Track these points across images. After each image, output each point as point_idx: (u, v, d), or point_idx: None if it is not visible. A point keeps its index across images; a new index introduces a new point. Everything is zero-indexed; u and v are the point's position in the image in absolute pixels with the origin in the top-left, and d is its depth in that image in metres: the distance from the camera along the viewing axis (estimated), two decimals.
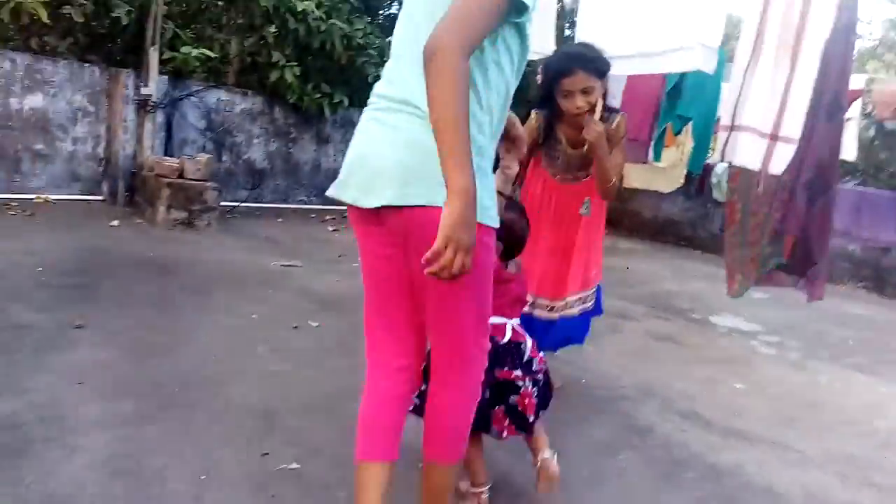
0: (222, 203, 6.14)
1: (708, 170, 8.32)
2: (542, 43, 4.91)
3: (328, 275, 4.57)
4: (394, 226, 1.48)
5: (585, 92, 2.65)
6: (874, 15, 12.78)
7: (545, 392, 2.08)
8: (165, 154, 6.34)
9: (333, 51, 6.86)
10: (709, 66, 4.04)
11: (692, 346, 4.21)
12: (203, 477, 1.95)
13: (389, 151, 1.45)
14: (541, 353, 2.11)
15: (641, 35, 4.27)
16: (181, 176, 5.58)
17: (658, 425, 2.87)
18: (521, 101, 7.81)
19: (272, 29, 6.92)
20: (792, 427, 3.07)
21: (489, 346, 1.69)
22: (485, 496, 2.01)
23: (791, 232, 4.03)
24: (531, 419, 1.99)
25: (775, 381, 3.77)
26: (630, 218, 10.26)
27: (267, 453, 2.12)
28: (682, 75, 6.18)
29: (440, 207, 1.31)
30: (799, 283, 4.22)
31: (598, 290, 3.24)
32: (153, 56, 5.93)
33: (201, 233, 5.41)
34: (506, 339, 1.97)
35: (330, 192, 1.60)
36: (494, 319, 1.84)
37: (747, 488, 2.42)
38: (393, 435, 1.69)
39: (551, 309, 3.06)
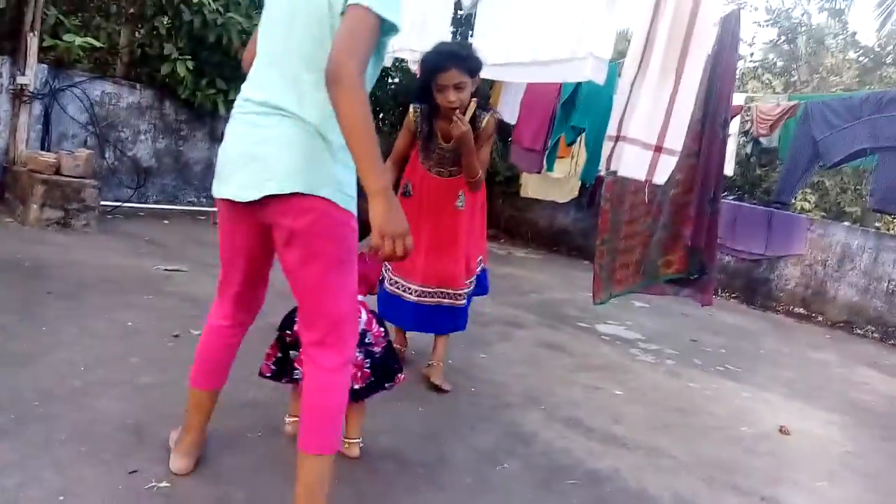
0: (103, 202, 5.80)
1: (600, 181, 8.64)
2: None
3: (215, 280, 4.38)
4: (269, 213, 1.71)
5: (458, 88, 2.85)
6: (755, 37, 13.68)
7: (383, 370, 2.26)
8: (42, 149, 5.91)
9: (230, 45, 6.63)
10: (599, 77, 4.19)
11: (578, 353, 4.35)
12: (61, 497, 1.82)
13: (272, 151, 1.68)
14: (381, 330, 2.28)
15: (536, 44, 4.39)
16: (58, 172, 5.22)
17: (542, 432, 2.94)
18: (399, 102, 7.74)
19: (165, 20, 6.61)
20: (666, 433, 3.22)
21: (356, 327, 1.94)
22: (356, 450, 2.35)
23: (698, 244, 4.20)
24: (358, 387, 2.18)
25: (652, 387, 3.95)
26: (526, 227, 10.52)
27: (135, 471, 2.01)
28: (577, 87, 6.42)
29: (316, 196, 1.65)
30: (683, 292, 4.43)
31: (484, 273, 3.46)
32: (32, 43, 5.53)
33: (78, 234, 5.08)
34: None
35: (214, 193, 1.85)
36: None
37: (623, 493, 2.52)
38: (223, 370, 2.09)
39: (441, 296, 3.26)
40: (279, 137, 1.68)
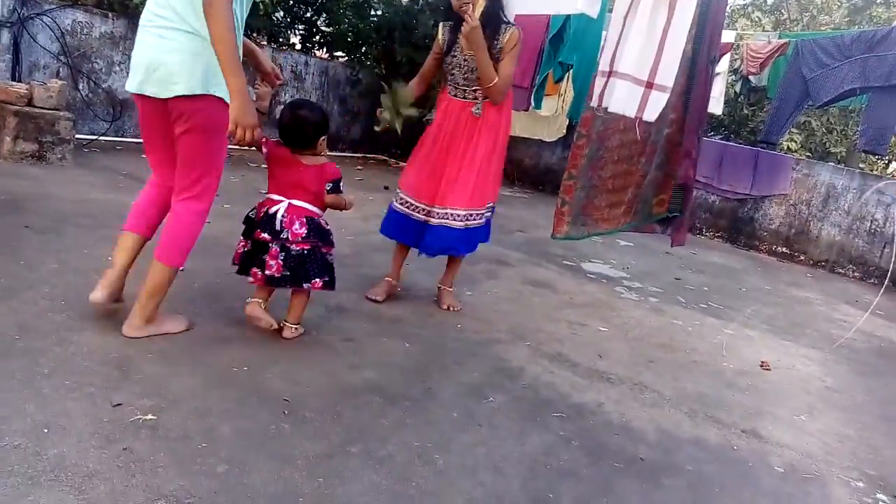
0: (78, 136, 5.63)
1: None
2: None
3: None
4: (174, 107, 2.30)
5: None
6: None
7: (299, 269, 2.61)
8: (13, 79, 5.70)
9: None
10: (592, 10, 4.08)
11: (563, 291, 4.36)
12: (45, 430, 1.80)
13: (178, 59, 2.24)
14: (301, 231, 2.60)
15: None
16: (30, 104, 5.04)
17: (527, 367, 2.95)
18: (409, 41, 7.67)
19: None
20: (649, 368, 3.26)
21: (217, 185, 2.56)
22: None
23: (685, 180, 4.17)
24: (272, 274, 2.57)
25: (636, 324, 3.98)
26: (512, 166, 10.42)
27: (119, 404, 1.99)
28: (565, 23, 6.27)
29: (215, 96, 2.30)
30: (667, 231, 4.44)
31: (489, 219, 3.49)
32: None
33: (54, 167, 4.94)
34: (272, 210, 2.59)
35: (129, 88, 2.38)
36: (273, 196, 2.65)
37: (607, 426, 2.55)
38: (147, 220, 2.61)
39: (427, 213, 3.33)
40: (183, 50, 2.24)
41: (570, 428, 2.47)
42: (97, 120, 6.48)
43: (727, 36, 8.60)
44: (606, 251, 5.86)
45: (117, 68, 6.63)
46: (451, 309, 3.54)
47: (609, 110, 3.93)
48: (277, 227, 2.57)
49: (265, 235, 2.58)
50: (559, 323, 3.69)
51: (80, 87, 6.35)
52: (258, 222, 2.63)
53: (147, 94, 2.30)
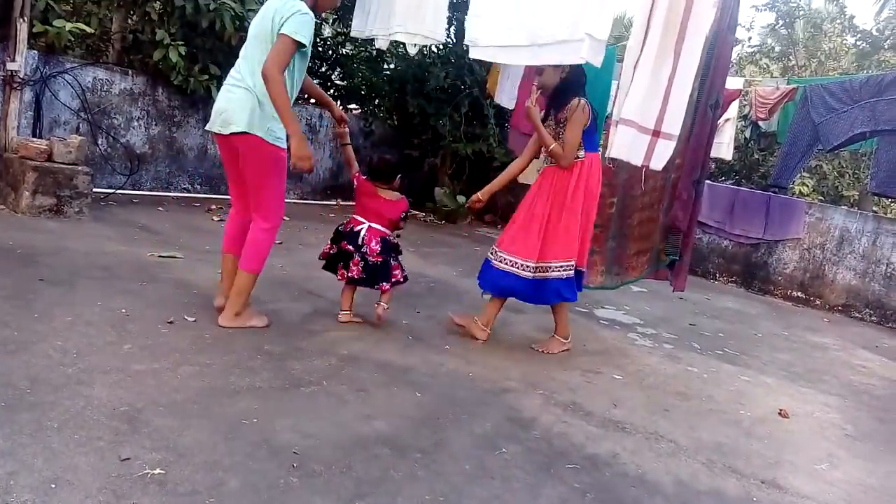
0: (96, 189, 5.74)
1: None
2: (433, 29, 4.95)
3: (210, 267, 4.35)
4: (233, 142, 3.13)
5: (538, 72, 3.94)
6: (753, 21, 13.57)
7: (373, 274, 3.63)
8: (34, 135, 5.85)
9: (223, 31, 6.55)
10: (596, 59, 4.13)
11: (576, 338, 4.32)
12: (53, 486, 1.79)
13: (236, 106, 3.10)
14: (376, 248, 3.63)
15: (533, 25, 4.33)
16: (50, 159, 5.16)
17: (541, 417, 2.91)
18: (421, 92, 7.81)
19: (157, 5, 6.52)
20: (665, 416, 3.21)
21: (281, 208, 3.35)
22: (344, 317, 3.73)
23: (683, 227, 4.20)
24: (355, 277, 3.60)
25: (651, 371, 3.93)
26: None
27: (128, 458, 1.97)
28: None
29: (258, 136, 3.09)
30: (669, 276, 4.44)
31: (568, 276, 3.79)
32: (22, 29, 5.45)
33: (71, 221, 5.03)
34: (356, 229, 3.65)
35: (208, 128, 3.28)
36: (357, 217, 3.70)
37: (623, 478, 2.50)
38: (236, 242, 3.38)
39: (528, 269, 3.75)
40: (239, 99, 3.10)
41: (586, 480, 2.42)
42: (115, 174, 6.62)
43: (736, 83, 8.70)
44: (619, 297, 5.82)
45: (136, 123, 6.80)
46: (546, 351, 3.93)
47: (612, 157, 3.97)
48: (359, 242, 3.61)
49: (349, 246, 3.62)
50: (572, 371, 3.66)
51: (100, 142, 6.50)
52: (345, 234, 3.66)
53: (215, 131, 3.19)
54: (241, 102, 3.08)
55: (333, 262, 3.69)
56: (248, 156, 3.13)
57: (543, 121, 3.85)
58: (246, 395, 2.56)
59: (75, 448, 1.98)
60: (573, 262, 3.78)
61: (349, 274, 3.58)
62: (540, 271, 3.73)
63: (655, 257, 4.41)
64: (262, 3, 7.09)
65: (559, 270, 3.76)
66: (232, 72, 3.21)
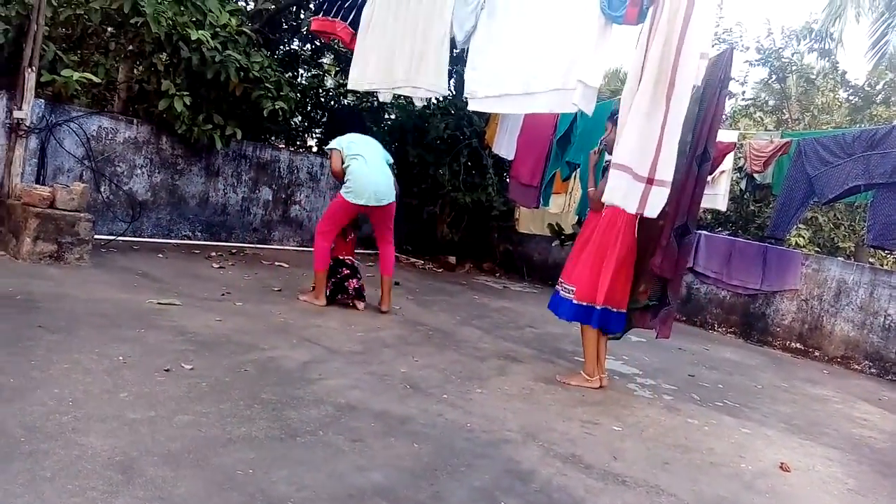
0: (97, 236, 5.78)
1: None
2: (436, 82, 5.08)
3: (209, 314, 4.36)
4: (385, 208, 5.41)
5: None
6: (747, 76, 13.80)
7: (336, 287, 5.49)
8: (37, 182, 5.92)
9: (228, 82, 6.69)
10: (588, 107, 4.23)
11: (575, 388, 4.29)
12: None
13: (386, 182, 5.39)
14: (352, 272, 5.55)
15: (527, 75, 4.45)
16: (52, 206, 5.21)
17: (540, 469, 2.88)
18: (421, 142, 8.00)
19: (163, 57, 6.68)
20: (666, 469, 3.17)
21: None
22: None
23: (667, 275, 4.25)
24: (359, 287, 5.50)
25: (650, 423, 3.90)
26: (522, 262, 10.53)
27: None
28: (572, 124, 6.48)
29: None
30: (652, 322, 4.45)
31: (575, 302, 4.34)
32: (29, 78, 5.56)
33: (71, 267, 5.05)
34: (347, 260, 5.51)
35: (358, 202, 5.24)
36: (346, 258, 5.56)
37: None
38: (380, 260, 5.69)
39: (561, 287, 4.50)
40: (390, 179, 5.44)
41: None
42: (116, 221, 6.67)
43: (731, 135, 8.84)
44: (618, 347, 5.80)
45: (139, 171, 6.88)
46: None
47: (607, 201, 4.03)
48: (353, 269, 5.54)
49: (347, 271, 5.46)
50: (571, 421, 3.62)
51: (102, 189, 6.57)
52: (339, 263, 5.46)
53: (372, 204, 5.31)
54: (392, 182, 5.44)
55: (336, 290, 5.43)
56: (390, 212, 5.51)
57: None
58: (241, 445, 2.53)
59: (68, 498, 1.96)
60: (572, 288, 4.35)
61: (355, 287, 5.47)
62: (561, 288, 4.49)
63: (632, 299, 4.41)
64: (265, 56, 7.27)
65: (565, 291, 4.41)
66: (371, 168, 5.32)
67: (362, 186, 5.17)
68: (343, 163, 5.25)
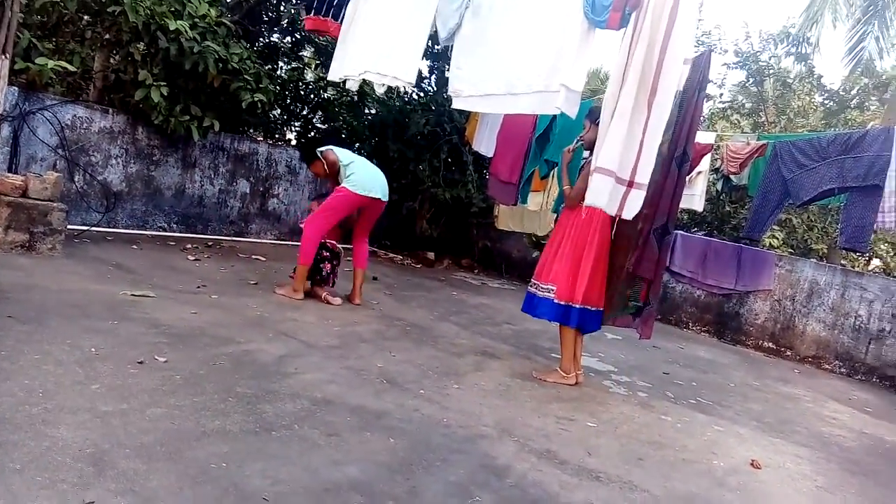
0: (70, 226, 5.69)
1: None
2: (405, 71, 5.09)
3: (183, 306, 4.31)
4: (382, 204, 5.55)
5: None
6: (725, 78, 13.95)
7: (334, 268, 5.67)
8: (10, 171, 5.81)
9: (206, 73, 6.61)
10: (571, 110, 4.25)
11: (551, 385, 4.32)
12: None
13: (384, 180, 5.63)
14: (330, 256, 5.64)
15: (511, 76, 4.46)
16: (24, 195, 5.11)
17: (515, 465, 2.89)
18: (401, 138, 8.00)
19: (141, 46, 6.58)
20: (639, 465, 3.20)
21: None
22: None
23: (647, 276, 4.29)
24: (326, 272, 5.58)
25: (625, 419, 3.93)
26: (501, 258, 10.55)
27: (92, 501, 1.92)
28: (551, 122, 6.50)
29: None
30: (634, 323, 4.51)
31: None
32: (3, 65, 5.44)
33: (43, 257, 4.96)
34: (330, 244, 5.58)
35: (367, 195, 5.39)
36: (329, 242, 5.61)
37: None
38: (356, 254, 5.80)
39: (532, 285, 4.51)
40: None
41: None
42: (90, 211, 6.57)
43: (708, 137, 8.93)
44: (594, 344, 5.85)
45: (114, 161, 6.78)
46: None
47: (588, 204, 4.06)
48: (331, 254, 5.60)
49: (326, 254, 5.55)
50: (547, 417, 3.64)
51: (76, 179, 6.47)
52: (322, 245, 5.47)
53: (377, 196, 5.49)
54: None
55: (314, 272, 5.52)
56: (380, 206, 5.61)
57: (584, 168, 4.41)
58: (215, 438, 2.51)
59: (38, 490, 1.92)
60: (552, 287, 4.33)
61: (325, 271, 5.59)
62: (534, 288, 4.48)
63: (622, 302, 4.47)
64: (244, 48, 7.22)
65: (543, 291, 4.40)
66: (371, 168, 5.62)
67: (370, 179, 5.40)
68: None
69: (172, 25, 6.13)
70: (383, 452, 2.74)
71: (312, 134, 9.65)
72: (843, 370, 7.62)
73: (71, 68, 5.97)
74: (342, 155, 5.47)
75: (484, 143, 7.51)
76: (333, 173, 5.43)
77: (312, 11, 6.00)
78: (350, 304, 5.60)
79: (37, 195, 5.14)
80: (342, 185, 5.34)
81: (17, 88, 5.89)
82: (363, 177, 5.39)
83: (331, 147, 5.47)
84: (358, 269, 5.68)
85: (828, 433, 4.63)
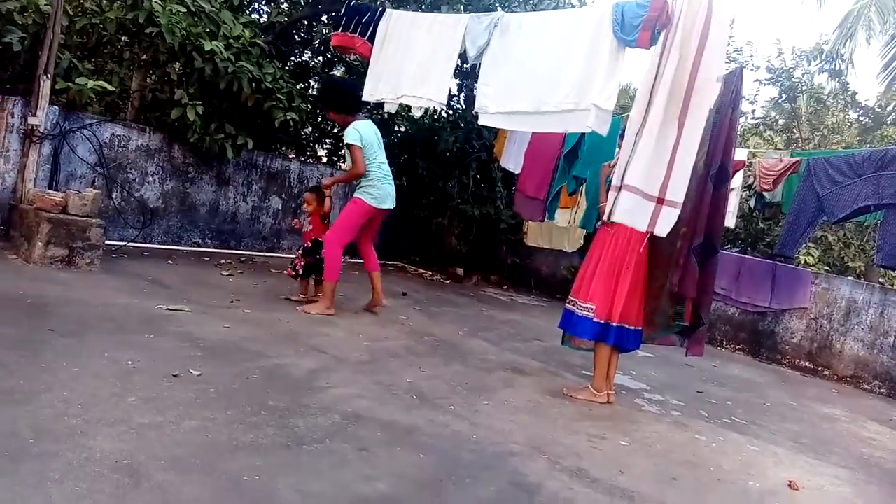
0: (108, 242, 5.82)
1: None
2: (437, 94, 5.14)
3: (217, 321, 4.37)
4: (389, 210, 5.57)
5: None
6: (757, 94, 13.82)
7: (312, 268, 5.59)
8: (50, 188, 5.97)
9: (240, 92, 6.75)
10: (602, 128, 4.25)
11: (582, 402, 4.28)
12: None
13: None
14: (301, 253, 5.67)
15: (540, 95, 4.47)
16: (64, 211, 5.25)
17: (546, 483, 2.86)
18: (430, 155, 8.03)
19: (177, 67, 6.74)
20: (672, 485, 3.14)
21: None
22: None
23: (689, 295, 4.24)
24: (301, 271, 5.62)
25: (658, 438, 3.87)
26: (529, 275, 10.52)
27: None
28: (580, 140, 6.50)
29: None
30: (682, 342, 4.45)
31: (584, 316, 4.30)
32: (45, 85, 5.63)
33: (82, 272, 5.08)
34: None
35: (382, 207, 5.48)
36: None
37: None
38: (370, 260, 5.79)
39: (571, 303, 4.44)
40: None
41: None
42: (127, 227, 6.71)
43: (740, 154, 8.83)
44: (626, 362, 5.78)
45: (150, 178, 6.93)
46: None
47: (613, 221, 4.05)
48: (308, 248, 5.64)
49: (300, 253, 5.66)
50: (578, 435, 3.61)
51: (114, 196, 6.62)
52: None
53: (387, 207, 5.53)
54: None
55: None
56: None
57: None
58: (248, 452, 2.53)
59: (76, 501, 1.96)
60: (591, 305, 4.24)
61: (298, 267, 5.63)
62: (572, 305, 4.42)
63: (665, 322, 4.42)
64: (277, 68, 7.35)
65: (582, 309, 4.31)
66: (386, 170, 5.50)
67: (386, 191, 5.46)
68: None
69: (208, 46, 6.27)
70: (413, 468, 2.74)
71: (343, 151, 9.76)
72: (882, 390, 7.42)
73: (109, 88, 6.13)
74: (368, 150, 5.35)
75: (512, 159, 7.53)
76: (362, 174, 5.35)
77: (341, 28, 6.09)
78: (379, 306, 5.79)
79: (76, 211, 5.28)
80: (358, 194, 5.40)
81: (57, 108, 6.06)
82: (381, 190, 5.40)
83: (358, 141, 5.24)
84: (373, 272, 5.73)
85: (868, 454, 4.51)
